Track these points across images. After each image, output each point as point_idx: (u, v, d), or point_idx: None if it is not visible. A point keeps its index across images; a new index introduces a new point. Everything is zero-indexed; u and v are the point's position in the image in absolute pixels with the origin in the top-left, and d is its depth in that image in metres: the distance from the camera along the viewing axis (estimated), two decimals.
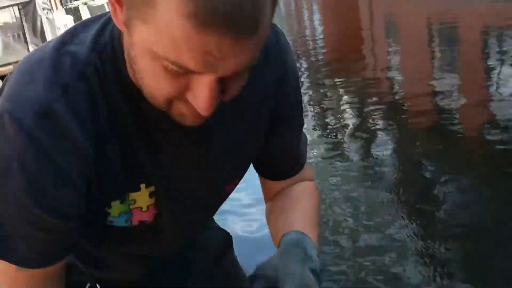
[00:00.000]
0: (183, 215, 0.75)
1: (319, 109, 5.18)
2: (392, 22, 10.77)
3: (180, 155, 0.68)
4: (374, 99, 5.10)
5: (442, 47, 7.45)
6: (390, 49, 7.80)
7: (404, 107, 4.76)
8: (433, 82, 5.39)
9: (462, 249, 2.46)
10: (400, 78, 5.95)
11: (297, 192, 0.84)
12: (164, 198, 0.70)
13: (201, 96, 0.51)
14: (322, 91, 5.90)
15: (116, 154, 0.61)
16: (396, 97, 5.14)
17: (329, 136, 4.36)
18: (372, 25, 11.33)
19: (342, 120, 4.70)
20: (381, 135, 4.15)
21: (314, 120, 4.86)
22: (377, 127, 4.33)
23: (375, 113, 4.65)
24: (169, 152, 0.66)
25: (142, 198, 0.67)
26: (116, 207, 0.66)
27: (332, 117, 4.87)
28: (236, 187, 0.81)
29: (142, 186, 0.66)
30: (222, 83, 0.51)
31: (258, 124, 0.75)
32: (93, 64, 0.58)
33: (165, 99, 0.53)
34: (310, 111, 5.09)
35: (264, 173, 0.86)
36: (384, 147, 3.87)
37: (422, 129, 4.14)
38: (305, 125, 0.84)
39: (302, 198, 0.83)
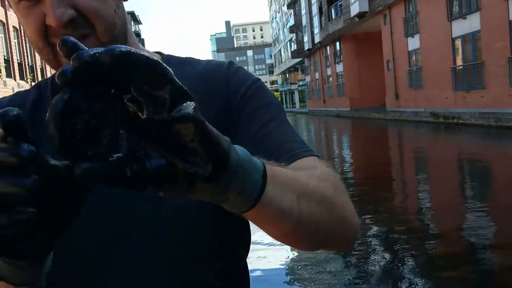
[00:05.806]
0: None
1: None
2: (422, 157, 10.86)
3: None
4: (402, 228, 4.95)
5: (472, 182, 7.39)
6: (419, 185, 7.75)
7: (432, 241, 4.58)
8: (465, 216, 5.27)
9: None
10: (430, 212, 5.82)
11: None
12: None
13: (47, 7, 0.59)
14: None
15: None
16: (426, 228, 4.98)
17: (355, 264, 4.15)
18: (402, 159, 11.43)
19: (369, 250, 4.49)
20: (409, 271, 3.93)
21: None
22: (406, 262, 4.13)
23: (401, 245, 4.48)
24: None
25: None
26: None
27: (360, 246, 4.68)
28: None
29: None
30: None
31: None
32: (43, 80, 0.79)
33: (41, 39, 0.63)
34: None
35: None
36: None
37: (451, 262, 3.94)
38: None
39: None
